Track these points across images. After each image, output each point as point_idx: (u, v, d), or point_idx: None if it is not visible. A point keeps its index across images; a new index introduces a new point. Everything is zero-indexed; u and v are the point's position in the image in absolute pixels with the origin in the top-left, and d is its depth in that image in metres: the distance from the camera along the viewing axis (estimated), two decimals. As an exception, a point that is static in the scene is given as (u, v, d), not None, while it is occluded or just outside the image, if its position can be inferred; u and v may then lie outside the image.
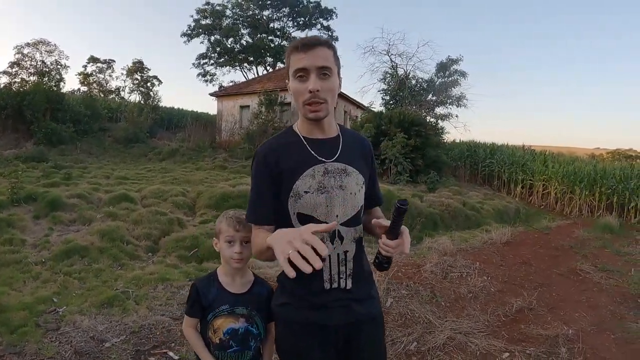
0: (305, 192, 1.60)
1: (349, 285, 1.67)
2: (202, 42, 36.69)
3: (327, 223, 1.48)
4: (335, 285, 1.65)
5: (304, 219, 1.61)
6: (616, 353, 4.21)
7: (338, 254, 1.65)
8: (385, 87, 24.85)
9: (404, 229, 1.55)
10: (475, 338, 4.16)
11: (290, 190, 1.61)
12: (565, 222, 13.60)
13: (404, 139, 15.51)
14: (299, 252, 1.21)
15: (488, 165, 20.86)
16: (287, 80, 1.69)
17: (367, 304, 1.74)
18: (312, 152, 1.64)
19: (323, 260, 1.22)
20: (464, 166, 21.76)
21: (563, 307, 5.28)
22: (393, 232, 1.53)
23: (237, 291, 1.94)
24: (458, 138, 27.52)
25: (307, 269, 1.18)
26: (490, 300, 5.32)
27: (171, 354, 3.56)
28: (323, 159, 1.64)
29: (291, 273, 1.21)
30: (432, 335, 4.16)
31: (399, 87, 23.81)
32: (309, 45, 1.56)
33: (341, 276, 1.66)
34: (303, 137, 1.67)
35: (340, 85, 1.67)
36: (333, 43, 1.66)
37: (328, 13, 36.97)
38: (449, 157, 20.37)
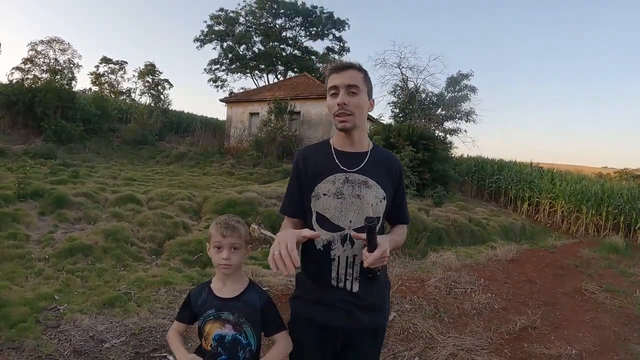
0: (323, 194, 1.82)
1: (355, 289, 1.82)
2: (214, 48, 37.13)
3: (338, 226, 1.80)
4: (341, 285, 1.82)
5: (320, 218, 1.84)
6: (619, 375, 4.17)
7: (347, 257, 1.81)
8: (395, 99, 24.85)
9: (382, 243, 1.64)
10: (477, 355, 4.13)
11: (312, 191, 1.85)
12: (571, 241, 13.56)
13: (412, 152, 15.46)
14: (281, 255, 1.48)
15: (495, 181, 20.78)
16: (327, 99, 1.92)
17: (373, 315, 1.89)
18: (337, 162, 1.86)
19: (297, 269, 1.52)
20: (471, 181, 21.69)
21: (567, 327, 5.24)
22: (370, 245, 1.62)
23: (225, 296, 1.90)
24: (466, 153, 27.45)
25: (278, 271, 1.47)
26: (494, 317, 5.28)
27: (170, 358, 3.54)
28: (345, 169, 1.84)
29: (273, 269, 1.50)
30: (434, 351, 4.13)
31: (409, 100, 23.80)
32: (341, 67, 1.82)
33: (347, 277, 1.82)
34: (334, 148, 1.91)
35: (372, 106, 1.92)
36: (365, 69, 1.87)
37: (340, 24, 37.17)
38: (456, 172, 20.30)
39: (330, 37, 37.76)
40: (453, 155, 22.72)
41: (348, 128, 1.81)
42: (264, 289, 5.25)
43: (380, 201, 1.85)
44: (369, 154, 1.89)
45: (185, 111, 34.59)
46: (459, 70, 25.14)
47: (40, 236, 6.46)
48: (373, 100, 1.92)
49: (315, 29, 37.11)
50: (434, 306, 5.30)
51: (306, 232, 1.64)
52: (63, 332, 3.72)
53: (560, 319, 5.54)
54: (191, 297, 1.95)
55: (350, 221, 1.80)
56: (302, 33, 37.93)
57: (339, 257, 1.81)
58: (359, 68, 1.84)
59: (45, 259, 5.67)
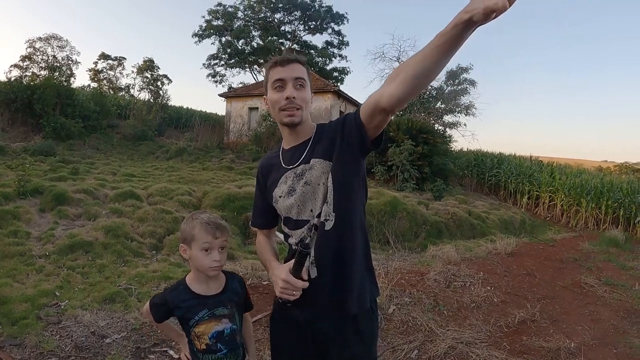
0: (279, 197, 1.82)
1: (313, 274, 1.75)
2: (213, 43, 36.98)
3: (302, 220, 1.77)
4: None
5: (285, 220, 1.84)
6: (618, 368, 4.20)
7: (315, 243, 1.77)
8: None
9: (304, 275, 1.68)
10: (476, 348, 4.15)
11: (272, 198, 1.86)
12: (570, 234, 13.61)
13: (412, 146, 15.50)
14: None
15: (495, 175, 20.80)
16: (264, 97, 1.88)
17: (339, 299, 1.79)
18: (283, 164, 1.84)
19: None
20: (470, 175, 21.70)
21: (566, 320, 5.27)
22: (294, 269, 1.65)
23: (214, 293, 1.88)
24: (465, 147, 27.46)
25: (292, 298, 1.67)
26: (493, 310, 5.31)
27: (171, 352, 3.56)
28: (291, 166, 1.80)
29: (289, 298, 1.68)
30: (433, 344, 4.15)
31: (408, 93, 23.72)
32: (287, 60, 1.77)
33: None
34: (282, 149, 1.89)
35: (311, 100, 1.85)
36: (305, 62, 1.84)
37: (339, 18, 36.98)
38: (455, 165, 20.32)
39: (329, 31, 37.55)
40: (452, 149, 22.73)
41: (296, 122, 1.76)
42: (264, 282, 5.31)
43: (329, 169, 1.73)
44: (312, 139, 1.81)
45: (185, 106, 34.62)
46: (459, 64, 25.10)
47: (41, 233, 6.48)
48: (312, 94, 1.87)
49: (314, 23, 36.89)
50: (433, 299, 5.33)
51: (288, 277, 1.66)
52: (64, 328, 3.74)
53: (560, 312, 5.57)
54: (169, 302, 1.87)
55: (311, 210, 1.76)
56: (301, 27, 37.70)
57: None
58: (303, 62, 1.81)
59: (46, 255, 5.69)
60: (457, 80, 25.04)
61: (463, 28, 1.20)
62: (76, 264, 5.47)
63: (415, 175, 15.39)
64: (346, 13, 37.22)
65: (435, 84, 25.20)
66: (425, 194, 14.78)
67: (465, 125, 25.21)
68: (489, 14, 1.12)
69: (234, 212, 8.52)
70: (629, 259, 9.48)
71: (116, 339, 3.67)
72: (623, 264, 8.89)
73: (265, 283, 5.32)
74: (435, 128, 21.37)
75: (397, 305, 4.97)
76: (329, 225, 1.73)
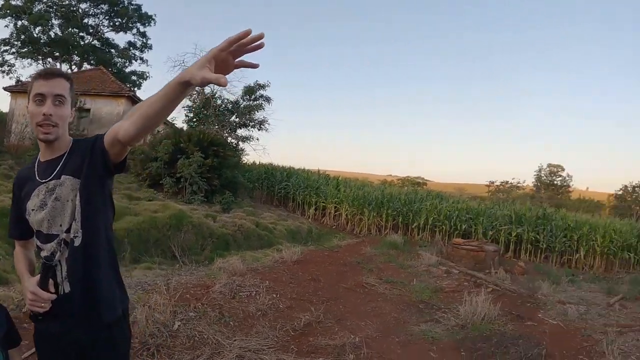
0: (32, 210, 1.80)
1: (67, 289, 1.81)
2: (6, 26, 31.78)
3: (52, 234, 1.78)
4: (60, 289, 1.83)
5: (37, 233, 1.84)
6: (401, 354, 4.71)
7: (66, 258, 1.79)
8: (190, 103, 24.46)
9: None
10: (265, 354, 4.26)
11: (25, 211, 1.83)
12: (354, 240, 14.85)
13: (201, 158, 15.44)
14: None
15: (284, 187, 21.73)
16: (27, 105, 1.84)
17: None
18: (37, 177, 1.81)
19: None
20: (261, 188, 22.36)
21: (350, 318, 5.70)
22: (41, 282, 1.73)
23: None
24: (258, 160, 28.21)
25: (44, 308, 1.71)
26: (279, 316, 5.49)
27: None
28: (44, 180, 1.79)
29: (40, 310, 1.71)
30: (221, 356, 4.16)
31: (204, 105, 23.60)
32: (50, 74, 1.80)
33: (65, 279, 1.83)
34: (38, 161, 1.87)
35: (72, 115, 1.89)
36: (72, 78, 1.90)
37: (147, 19, 35.28)
38: (246, 178, 20.72)
39: (134, 31, 35.57)
40: (245, 162, 23.18)
41: (51, 140, 1.78)
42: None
43: (77, 191, 1.78)
44: (65, 155, 1.83)
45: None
46: (257, 80, 25.63)
47: None
48: (74, 110, 1.93)
49: (120, 20, 34.54)
50: (218, 311, 5.33)
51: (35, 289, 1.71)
52: None
53: (343, 311, 6.01)
54: None
55: (61, 225, 1.78)
56: (106, 22, 35.00)
57: (59, 261, 1.79)
58: (67, 77, 1.84)
59: None
60: (253, 96, 25.61)
61: (182, 85, 1.41)
62: None
63: (204, 187, 15.33)
64: (155, 15, 35.84)
65: (231, 97, 25.50)
66: (214, 206, 14.76)
67: (258, 139, 25.76)
68: (205, 84, 1.36)
69: (7, 229, 7.47)
70: (407, 259, 10.78)
71: None
72: (402, 263, 10.06)
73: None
74: (229, 141, 21.60)
75: (182, 320, 4.84)
76: (77, 242, 1.78)
